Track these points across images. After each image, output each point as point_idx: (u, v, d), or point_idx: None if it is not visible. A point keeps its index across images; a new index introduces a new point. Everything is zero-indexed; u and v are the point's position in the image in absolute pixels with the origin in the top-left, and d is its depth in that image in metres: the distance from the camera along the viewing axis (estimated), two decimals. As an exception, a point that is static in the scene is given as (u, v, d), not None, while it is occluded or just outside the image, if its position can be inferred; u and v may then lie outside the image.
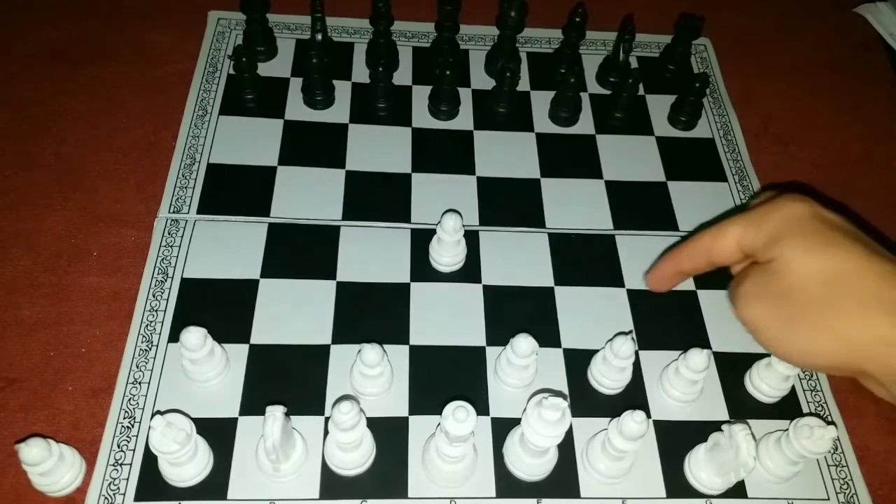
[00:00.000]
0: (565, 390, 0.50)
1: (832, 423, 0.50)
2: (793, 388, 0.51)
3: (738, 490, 0.47)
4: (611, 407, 0.49)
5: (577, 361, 0.51)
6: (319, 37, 0.66)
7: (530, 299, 0.54)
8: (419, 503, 0.45)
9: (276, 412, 0.40)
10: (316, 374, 0.49)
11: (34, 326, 0.51)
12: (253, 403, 0.47)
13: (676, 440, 0.48)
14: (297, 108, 0.64)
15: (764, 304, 0.41)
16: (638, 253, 0.57)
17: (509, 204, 0.60)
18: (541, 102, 0.67)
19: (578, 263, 0.57)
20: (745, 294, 0.42)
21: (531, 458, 0.45)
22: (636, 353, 0.50)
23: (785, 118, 0.71)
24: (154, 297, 0.52)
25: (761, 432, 0.48)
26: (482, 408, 0.49)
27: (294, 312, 0.52)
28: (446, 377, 0.50)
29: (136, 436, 0.46)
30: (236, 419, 0.47)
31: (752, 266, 0.43)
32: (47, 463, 0.42)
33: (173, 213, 0.56)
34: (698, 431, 0.48)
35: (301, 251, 0.55)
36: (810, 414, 0.51)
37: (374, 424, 0.46)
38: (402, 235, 0.57)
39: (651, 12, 0.75)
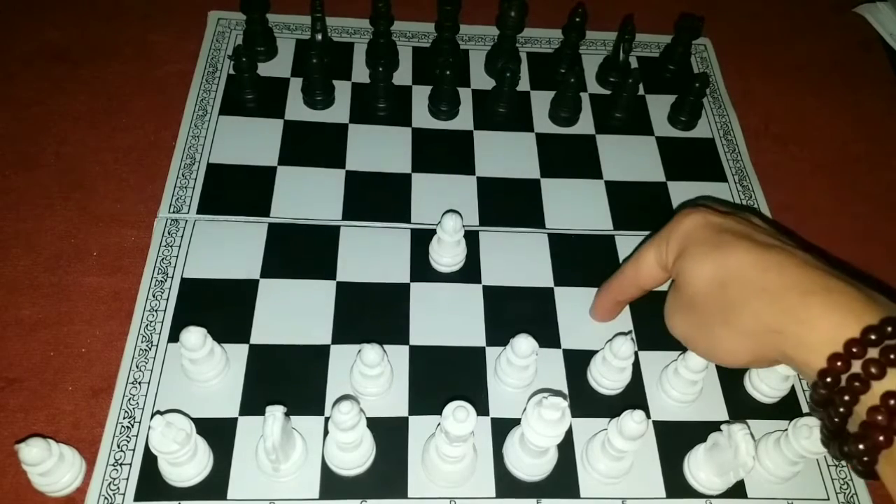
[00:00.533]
0: (565, 390, 0.50)
1: (832, 423, 0.50)
2: (792, 388, 0.51)
3: (738, 490, 0.47)
4: (610, 407, 0.49)
5: (577, 362, 0.51)
6: (319, 37, 0.66)
7: (530, 300, 0.54)
8: (419, 503, 0.45)
9: (275, 412, 0.40)
10: (316, 374, 0.49)
11: (34, 326, 0.51)
12: (253, 403, 0.47)
13: (676, 440, 0.48)
14: (297, 108, 0.64)
15: (681, 317, 0.44)
16: (638, 253, 0.57)
17: (509, 204, 0.60)
18: (541, 102, 0.67)
19: (578, 264, 0.57)
20: (666, 310, 0.45)
21: (531, 459, 0.45)
22: (636, 354, 0.50)
23: (785, 118, 0.71)
24: (154, 297, 0.52)
25: (761, 432, 0.48)
26: (482, 408, 0.49)
27: (294, 312, 0.52)
28: (446, 377, 0.50)
29: (136, 436, 0.46)
30: (236, 419, 0.47)
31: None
32: (47, 463, 0.42)
33: (173, 213, 0.56)
34: (698, 432, 0.48)
35: (301, 251, 0.55)
36: (810, 414, 0.51)
37: (374, 424, 0.46)
38: (401, 235, 0.57)
39: (651, 12, 0.75)
